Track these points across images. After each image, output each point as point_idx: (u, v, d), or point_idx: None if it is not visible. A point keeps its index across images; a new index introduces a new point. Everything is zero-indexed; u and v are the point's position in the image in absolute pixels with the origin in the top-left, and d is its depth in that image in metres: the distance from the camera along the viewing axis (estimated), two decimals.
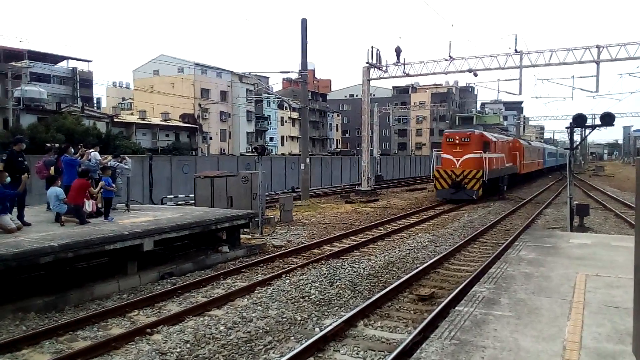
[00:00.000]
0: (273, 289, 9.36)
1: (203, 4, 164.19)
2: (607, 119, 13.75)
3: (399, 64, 28.21)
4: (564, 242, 10.30)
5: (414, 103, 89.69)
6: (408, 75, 28.73)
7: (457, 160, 26.02)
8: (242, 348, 6.57)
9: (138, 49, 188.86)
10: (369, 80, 29.22)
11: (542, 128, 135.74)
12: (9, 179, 9.54)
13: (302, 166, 28.12)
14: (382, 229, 17.36)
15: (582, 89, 28.10)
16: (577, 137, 18.50)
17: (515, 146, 35.06)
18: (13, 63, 48.76)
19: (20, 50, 51.44)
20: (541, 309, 5.76)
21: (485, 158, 25.49)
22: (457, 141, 26.44)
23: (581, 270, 7.60)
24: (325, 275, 10.30)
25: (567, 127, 15.67)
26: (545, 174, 53.58)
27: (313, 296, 8.87)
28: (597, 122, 15.24)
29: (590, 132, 15.99)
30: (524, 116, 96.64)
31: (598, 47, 23.62)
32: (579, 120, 14.10)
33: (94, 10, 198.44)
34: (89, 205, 11.19)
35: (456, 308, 5.92)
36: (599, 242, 10.40)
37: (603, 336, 4.89)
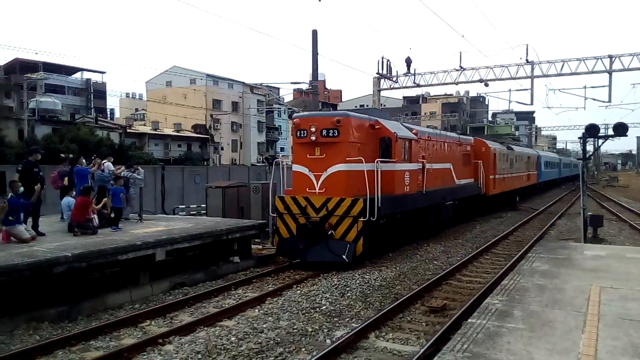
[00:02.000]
0: (284, 299, 9.36)
1: (215, 16, 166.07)
2: (620, 130, 13.69)
3: (410, 75, 28.24)
4: (578, 253, 10.19)
5: (425, 113, 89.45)
6: (418, 85, 28.77)
7: (317, 178, 12.73)
8: (253, 359, 6.56)
9: (151, 60, 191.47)
10: (379, 90, 29.28)
11: (554, 138, 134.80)
12: (22, 189, 9.67)
13: None
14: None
15: (594, 99, 27.99)
16: (590, 148, 18.30)
17: (477, 151, 22.23)
18: (29, 75, 49.57)
19: (36, 62, 52.40)
20: (555, 321, 5.69)
21: (376, 171, 12.36)
22: (315, 136, 12.53)
23: (595, 282, 7.51)
24: (336, 286, 10.27)
25: (579, 138, 15.56)
26: (542, 191, 41.61)
27: (324, 307, 8.85)
28: (610, 132, 15.16)
29: (603, 143, 15.89)
30: (536, 126, 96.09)
31: (610, 57, 23.53)
32: (592, 131, 14.05)
33: (108, 22, 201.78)
34: (94, 220, 11.06)
35: (469, 320, 5.88)
36: (613, 254, 10.28)
37: (618, 349, 4.82)
